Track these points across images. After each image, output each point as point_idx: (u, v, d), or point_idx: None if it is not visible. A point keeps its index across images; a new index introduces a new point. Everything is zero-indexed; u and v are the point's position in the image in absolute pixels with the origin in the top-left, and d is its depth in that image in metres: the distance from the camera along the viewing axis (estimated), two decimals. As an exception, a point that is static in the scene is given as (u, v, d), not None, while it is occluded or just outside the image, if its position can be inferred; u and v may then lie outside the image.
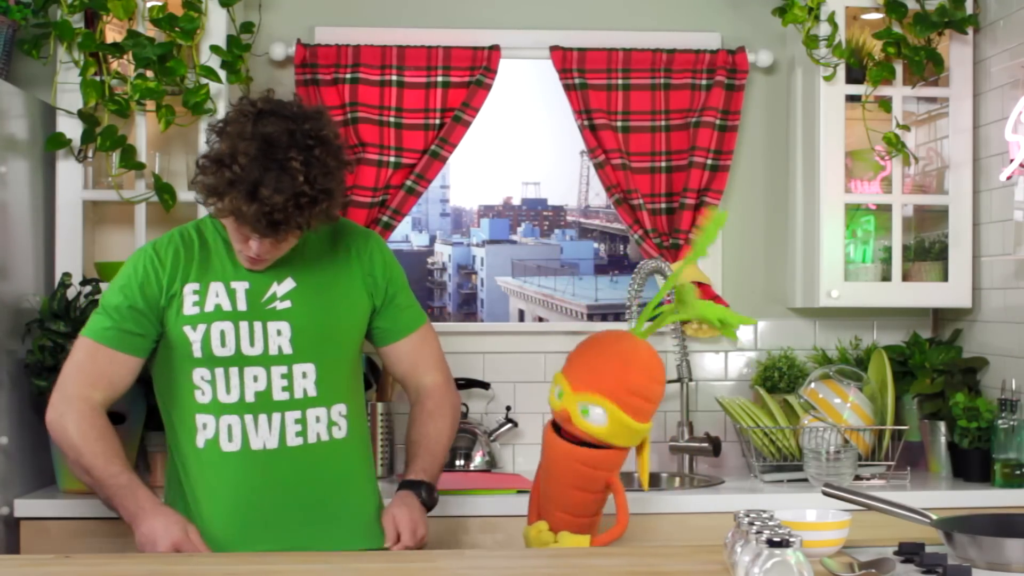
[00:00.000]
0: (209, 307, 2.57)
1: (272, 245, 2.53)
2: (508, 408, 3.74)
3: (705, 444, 3.61)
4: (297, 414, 2.59)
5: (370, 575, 2.20)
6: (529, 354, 3.81)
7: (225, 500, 2.58)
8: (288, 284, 2.62)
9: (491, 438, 3.68)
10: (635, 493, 3.45)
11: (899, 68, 3.64)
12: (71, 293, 3.24)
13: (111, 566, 2.28)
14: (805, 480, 3.42)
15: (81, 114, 3.35)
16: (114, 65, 3.41)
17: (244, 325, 2.57)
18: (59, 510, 3.09)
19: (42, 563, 2.34)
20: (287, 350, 2.59)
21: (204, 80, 3.37)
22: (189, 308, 2.58)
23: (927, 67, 3.63)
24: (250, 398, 2.57)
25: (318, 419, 2.61)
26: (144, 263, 2.60)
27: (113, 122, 3.38)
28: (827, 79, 3.62)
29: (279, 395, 2.58)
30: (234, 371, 2.56)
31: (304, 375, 2.60)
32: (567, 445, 2.52)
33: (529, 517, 2.67)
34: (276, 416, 2.57)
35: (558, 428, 2.55)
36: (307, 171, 2.44)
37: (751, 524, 1.94)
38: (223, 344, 2.56)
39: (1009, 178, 3.32)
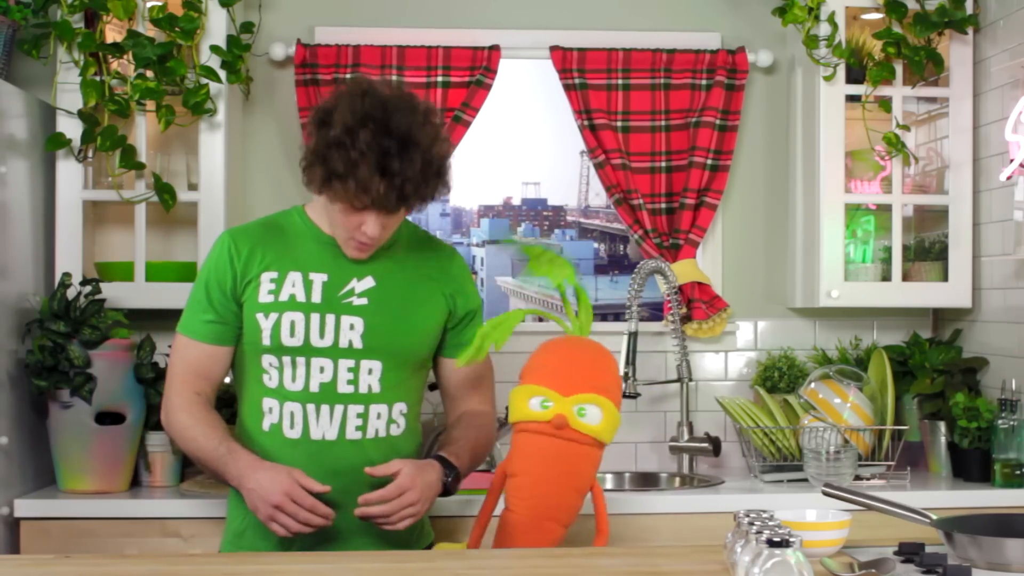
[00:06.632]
0: (284, 296, 2.59)
1: (384, 227, 2.54)
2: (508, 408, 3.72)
3: (705, 444, 3.61)
4: (360, 408, 2.61)
5: (370, 575, 2.20)
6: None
7: None
8: (368, 282, 2.63)
9: (491, 438, 3.67)
10: (631, 494, 3.45)
11: (899, 68, 3.64)
12: (71, 293, 3.24)
13: (111, 566, 2.29)
14: (805, 480, 3.42)
15: (81, 114, 3.34)
16: (114, 65, 3.41)
17: (316, 317, 2.58)
18: (59, 510, 3.09)
19: (42, 563, 2.33)
20: (357, 344, 2.60)
21: (204, 80, 3.37)
22: (264, 296, 2.60)
23: (927, 67, 3.62)
24: (315, 388, 2.59)
25: (379, 415, 2.63)
26: (222, 252, 2.63)
27: (113, 122, 3.38)
28: (827, 79, 3.61)
29: (344, 388, 2.60)
30: (301, 361, 2.58)
31: (370, 371, 2.61)
32: (584, 448, 2.52)
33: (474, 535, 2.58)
34: (339, 408, 2.59)
35: None
36: (430, 140, 2.48)
37: (751, 524, 1.94)
38: (292, 334, 2.57)
39: (1009, 178, 3.32)
